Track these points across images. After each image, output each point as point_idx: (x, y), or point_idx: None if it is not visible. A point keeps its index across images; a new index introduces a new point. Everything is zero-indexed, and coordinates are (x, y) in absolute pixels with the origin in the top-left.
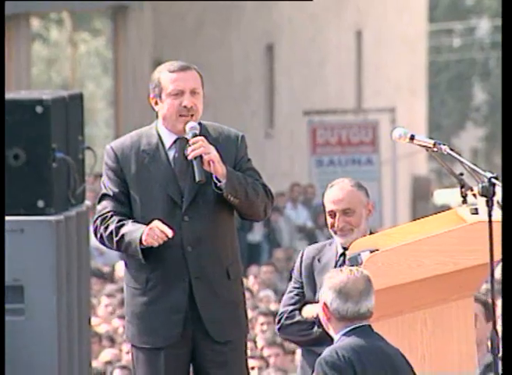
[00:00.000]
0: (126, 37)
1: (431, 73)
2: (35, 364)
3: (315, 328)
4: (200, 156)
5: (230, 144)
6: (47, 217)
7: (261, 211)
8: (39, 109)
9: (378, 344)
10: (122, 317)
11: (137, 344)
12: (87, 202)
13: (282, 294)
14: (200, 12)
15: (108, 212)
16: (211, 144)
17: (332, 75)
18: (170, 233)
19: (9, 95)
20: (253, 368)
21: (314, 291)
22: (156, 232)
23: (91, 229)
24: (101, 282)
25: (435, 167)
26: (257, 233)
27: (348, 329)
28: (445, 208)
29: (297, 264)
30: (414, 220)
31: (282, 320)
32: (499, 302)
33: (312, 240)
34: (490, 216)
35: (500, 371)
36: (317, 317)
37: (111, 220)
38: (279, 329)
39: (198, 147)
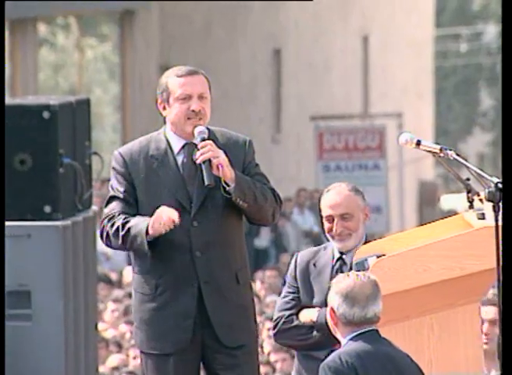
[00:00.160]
0: (132, 43)
1: (437, 78)
2: (42, 369)
3: (314, 332)
4: (209, 160)
5: (238, 150)
6: (54, 222)
7: (270, 215)
8: (46, 115)
9: (385, 349)
10: (129, 322)
11: (146, 350)
12: (94, 208)
13: None
14: (207, 16)
15: (116, 212)
16: (219, 148)
17: (338, 80)
18: (176, 217)
19: (16, 101)
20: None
21: (311, 296)
22: (162, 217)
23: (98, 233)
24: (108, 287)
25: (441, 172)
26: (264, 239)
27: (355, 334)
28: (451, 213)
29: (291, 269)
30: (421, 225)
31: (279, 325)
32: None
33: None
34: (497, 221)
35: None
36: (316, 321)
37: (117, 218)
38: (275, 334)
39: (207, 151)
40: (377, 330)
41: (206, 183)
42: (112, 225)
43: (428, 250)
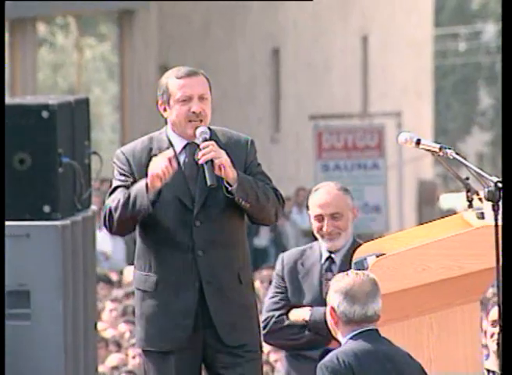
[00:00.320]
0: (131, 42)
1: (436, 78)
2: (41, 369)
3: (306, 332)
4: (211, 161)
5: (240, 149)
6: (53, 222)
7: (272, 215)
8: (45, 114)
9: (384, 349)
10: (128, 322)
11: (144, 347)
12: (93, 207)
13: None
14: (206, 16)
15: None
16: (221, 148)
17: (337, 79)
18: (172, 156)
19: (15, 100)
20: None
21: (301, 295)
22: (158, 168)
23: (97, 233)
24: (108, 287)
25: (441, 172)
26: (263, 238)
27: (355, 333)
28: (451, 212)
29: (278, 269)
30: (420, 225)
31: (269, 325)
32: None
33: None
34: (496, 220)
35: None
36: (309, 320)
37: (120, 195)
38: (265, 334)
39: (209, 151)
40: (377, 330)
41: (208, 183)
42: (116, 202)
43: (428, 249)
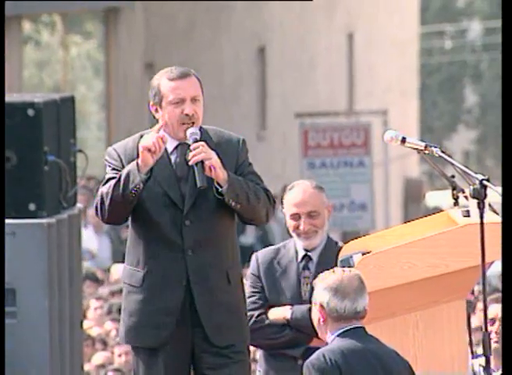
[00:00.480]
0: (117, 40)
1: (422, 75)
2: (27, 367)
3: (287, 330)
4: (202, 162)
5: (231, 149)
6: (38, 220)
7: (263, 215)
8: (31, 112)
9: (371, 347)
10: (114, 320)
11: (124, 342)
12: (79, 205)
13: None
14: (191, 14)
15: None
16: (212, 149)
17: (323, 77)
18: (160, 133)
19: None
20: None
21: (279, 294)
22: (150, 138)
23: (83, 231)
24: (95, 285)
25: (426, 169)
26: (249, 236)
27: (341, 331)
28: (437, 210)
29: (253, 268)
30: (406, 222)
31: (249, 325)
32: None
33: None
34: (482, 218)
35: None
36: (290, 319)
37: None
38: None
39: (199, 152)
40: (363, 328)
41: (198, 185)
42: (107, 187)
43: (414, 247)
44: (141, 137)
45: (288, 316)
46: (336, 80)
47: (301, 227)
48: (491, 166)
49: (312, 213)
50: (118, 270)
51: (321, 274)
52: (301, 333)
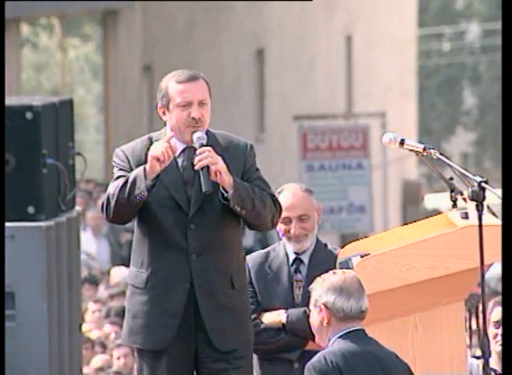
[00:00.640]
0: (115, 43)
1: (421, 78)
2: (25, 370)
3: (282, 334)
4: (207, 166)
5: (239, 153)
6: (37, 223)
7: (269, 221)
8: (29, 115)
9: (371, 349)
10: (113, 323)
11: (127, 343)
12: (78, 208)
13: None
14: (190, 16)
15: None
16: (218, 154)
17: (322, 79)
18: (174, 142)
19: None
20: None
21: (272, 298)
22: (159, 147)
23: (82, 234)
24: (93, 288)
25: (425, 172)
26: (249, 238)
27: (342, 333)
28: (435, 212)
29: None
30: (405, 225)
31: None
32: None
33: None
34: (480, 220)
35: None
36: (286, 323)
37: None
38: None
39: (205, 157)
40: (364, 330)
41: (203, 190)
42: (115, 188)
43: (412, 249)
44: (150, 139)
45: (283, 319)
46: (334, 81)
47: (292, 231)
48: (489, 168)
49: (303, 217)
50: (117, 274)
51: (318, 277)
52: (297, 337)
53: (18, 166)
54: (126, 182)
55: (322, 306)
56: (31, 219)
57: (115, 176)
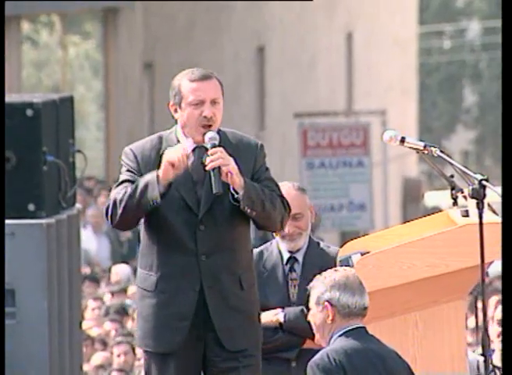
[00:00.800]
0: (116, 41)
1: (421, 75)
2: (26, 367)
3: (280, 333)
4: (219, 167)
5: (249, 152)
6: (38, 220)
7: (278, 222)
8: (29, 112)
9: (372, 347)
10: (113, 320)
11: (140, 347)
12: (78, 205)
13: None
14: (191, 14)
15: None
16: (229, 154)
17: (322, 77)
18: (186, 149)
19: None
20: None
21: (267, 297)
22: (175, 152)
23: (82, 231)
24: (94, 285)
25: (425, 169)
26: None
27: (344, 330)
28: (436, 210)
29: None
30: (405, 222)
31: None
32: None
33: None
34: (481, 218)
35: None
36: (284, 322)
37: (126, 188)
38: None
39: (217, 158)
40: (365, 327)
41: (214, 191)
42: (122, 194)
43: (413, 247)
44: (160, 138)
45: (281, 319)
46: (335, 79)
47: (286, 230)
48: (490, 166)
49: (297, 215)
50: (118, 271)
51: (318, 275)
52: (294, 336)
53: (18, 164)
54: (136, 188)
55: (326, 303)
56: (31, 217)
57: (121, 179)
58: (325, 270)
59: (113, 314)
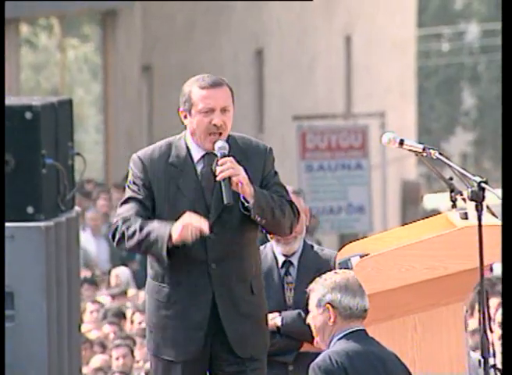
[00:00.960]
0: (115, 43)
1: (420, 78)
2: (25, 370)
3: (277, 337)
4: (229, 178)
5: (259, 157)
6: (36, 223)
7: (287, 228)
8: (28, 115)
9: (373, 349)
10: (112, 323)
11: (158, 355)
12: (77, 208)
13: None
14: (189, 16)
15: (132, 214)
16: (239, 163)
17: (321, 79)
18: (207, 227)
19: None
20: None
21: None
22: (193, 224)
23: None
24: (93, 288)
25: (424, 172)
26: None
27: (344, 333)
28: (435, 212)
29: None
30: (404, 225)
31: None
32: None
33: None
34: (480, 220)
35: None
36: (282, 326)
37: (134, 220)
38: None
39: (227, 168)
40: (365, 330)
41: (225, 202)
42: (128, 227)
43: (412, 250)
44: (169, 144)
45: (278, 322)
46: (334, 82)
47: None
48: (488, 168)
49: None
50: (119, 274)
51: (317, 278)
52: (292, 340)
53: (17, 167)
54: (147, 237)
55: (328, 305)
56: (30, 220)
57: (128, 194)
58: (320, 273)
59: (111, 317)
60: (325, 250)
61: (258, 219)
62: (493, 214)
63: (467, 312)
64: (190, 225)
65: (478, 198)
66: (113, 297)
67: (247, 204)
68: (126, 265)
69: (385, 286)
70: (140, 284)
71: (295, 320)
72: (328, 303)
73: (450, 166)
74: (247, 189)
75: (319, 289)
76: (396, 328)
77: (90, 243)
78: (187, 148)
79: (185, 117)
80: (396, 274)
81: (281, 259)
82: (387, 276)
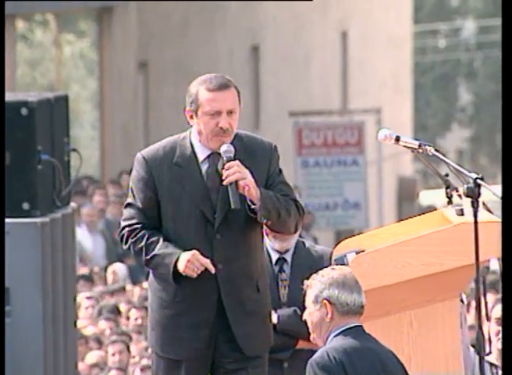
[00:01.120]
0: (110, 39)
1: (416, 74)
2: (21, 366)
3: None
4: (236, 181)
5: (264, 155)
6: (32, 219)
7: (292, 227)
8: (24, 111)
9: (370, 345)
10: (108, 319)
11: (160, 353)
12: (73, 204)
13: None
14: (185, 12)
15: (137, 224)
16: (244, 165)
17: (317, 76)
18: (212, 269)
19: None
20: None
21: None
22: (196, 265)
23: (77, 230)
24: (89, 284)
25: (420, 168)
26: None
27: (342, 329)
28: (430, 208)
29: None
30: (400, 221)
31: None
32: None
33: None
34: (476, 216)
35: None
36: (278, 323)
37: (140, 234)
38: None
39: (233, 172)
40: (362, 326)
41: (232, 206)
42: (135, 242)
43: (407, 246)
44: (174, 143)
45: (274, 320)
46: (330, 78)
47: None
48: (485, 165)
49: None
50: (114, 270)
51: (314, 275)
52: (287, 337)
53: (13, 162)
54: (152, 258)
55: (325, 301)
56: (26, 216)
57: (129, 200)
58: (313, 270)
59: (107, 313)
60: (317, 247)
61: (264, 220)
62: (489, 210)
63: (463, 302)
64: (196, 264)
65: (473, 194)
66: (112, 293)
67: (253, 206)
68: (122, 261)
69: (381, 282)
70: (135, 280)
71: (291, 318)
72: (326, 299)
73: (446, 163)
74: (253, 192)
75: (316, 285)
76: (392, 324)
77: (86, 239)
78: (192, 147)
79: (191, 117)
80: (392, 270)
81: (275, 257)
82: (383, 272)
